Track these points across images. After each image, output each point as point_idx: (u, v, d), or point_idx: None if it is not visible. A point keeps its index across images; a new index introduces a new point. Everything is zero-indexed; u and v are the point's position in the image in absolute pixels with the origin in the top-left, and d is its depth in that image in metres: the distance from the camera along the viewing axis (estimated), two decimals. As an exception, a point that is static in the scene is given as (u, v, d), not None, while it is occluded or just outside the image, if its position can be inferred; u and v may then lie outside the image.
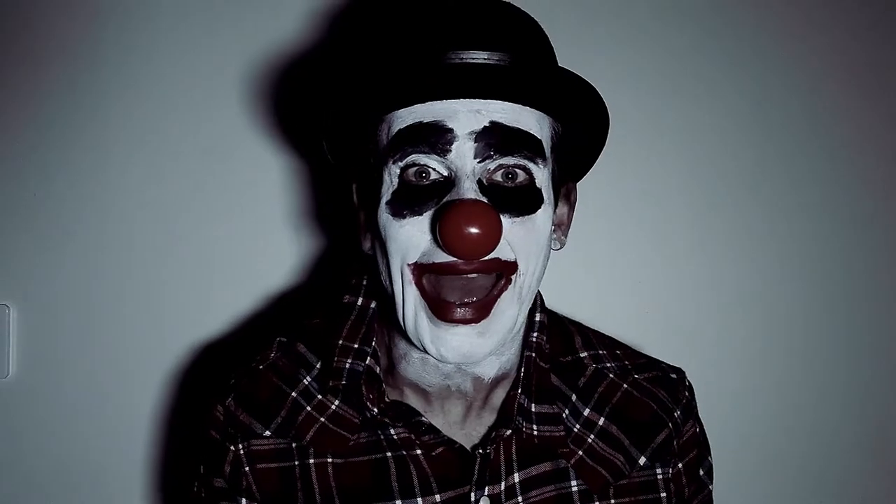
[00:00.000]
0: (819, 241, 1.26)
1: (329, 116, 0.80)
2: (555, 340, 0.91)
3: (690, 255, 1.23)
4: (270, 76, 1.16)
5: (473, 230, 0.70)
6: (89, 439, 1.16)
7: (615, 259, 1.22)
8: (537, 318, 0.88)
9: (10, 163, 1.14)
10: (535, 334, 0.87)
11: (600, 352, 0.92)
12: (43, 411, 1.16)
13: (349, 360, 0.84)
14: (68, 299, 1.16)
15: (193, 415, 1.17)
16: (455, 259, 0.73)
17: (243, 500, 0.84)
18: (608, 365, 0.91)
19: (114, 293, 1.16)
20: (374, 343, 0.86)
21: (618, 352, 0.93)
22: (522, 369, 0.85)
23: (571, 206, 0.88)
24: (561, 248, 0.86)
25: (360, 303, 0.88)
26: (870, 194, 1.27)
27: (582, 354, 0.91)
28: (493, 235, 0.71)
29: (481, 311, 0.75)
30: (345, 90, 0.77)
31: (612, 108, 1.10)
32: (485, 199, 0.73)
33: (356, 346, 0.85)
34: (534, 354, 0.86)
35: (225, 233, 1.16)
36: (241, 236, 1.17)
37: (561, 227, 0.86)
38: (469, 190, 0.73)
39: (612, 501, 0.85)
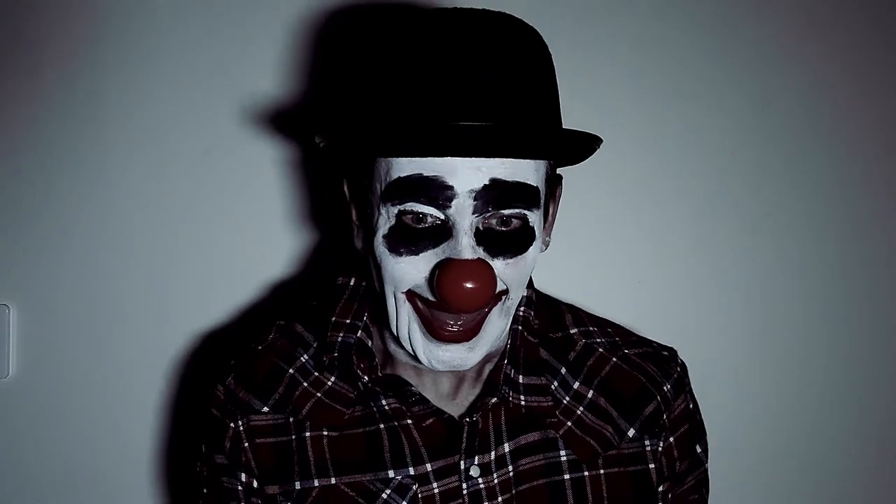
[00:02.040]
0: (820, 239, 1.26)
1: (326, 142, 0.79)
2: (545, 318, 0.93)
3: (691, 255, 1.23)
4: (269, 76, 1.16)
5: (470, 288, 0.73)
6: (89, 439, 1.16)
7: (615, 259, 1.23)
8: (524, 294, 0.89)
9: (10, 163, 1.14)
10: (522, 308, 0.89)
11: (591, 328, 0.94)
12: (43, 411, 1.16)
13: (341, 334, 0.88)
14: (68, 299, 1.16)
15: (194, 414, 1.17)
16: None
17: (242, 475, 0.87)
18: (598, 340, 0.93)
19: (114, 293, 1.16)
20: (365, 318, 0.88)
21: (608, 329, 0.95)
22: (509, 342, 0.87)
23: (556, 202, 0.88)
24: (546, 249, 0.86)
25: (352, 283, 0.92)
26: (870, 193, 1.27)
27: (572, 331, 0.93)
28: (488, 294, 0.75)
29: (471, 331, 0.79)
30: (344, 130, 0.79)
31: (612, 107, 1.09)
32: (481, 250, 0.75)
33: (348, 321, 0.88)
34: (520, 328, 0.89)
35: (225, 232, 1.17)
36: (242, 235, 1.17)
37: (546, 227, 0.86)
38: (467, 248, 0.74)
39: (602, 471, 0.87)
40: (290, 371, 0.89)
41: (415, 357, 0.81)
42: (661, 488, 0.89)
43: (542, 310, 0.93)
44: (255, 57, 1.16)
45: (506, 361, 0.86)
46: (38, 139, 1.14)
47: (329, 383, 0.88)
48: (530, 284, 0.91)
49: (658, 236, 1.23)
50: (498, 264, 0.76)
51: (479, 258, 0.75)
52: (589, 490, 0.86)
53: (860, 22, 1.26)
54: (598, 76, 1.20)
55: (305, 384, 0.88)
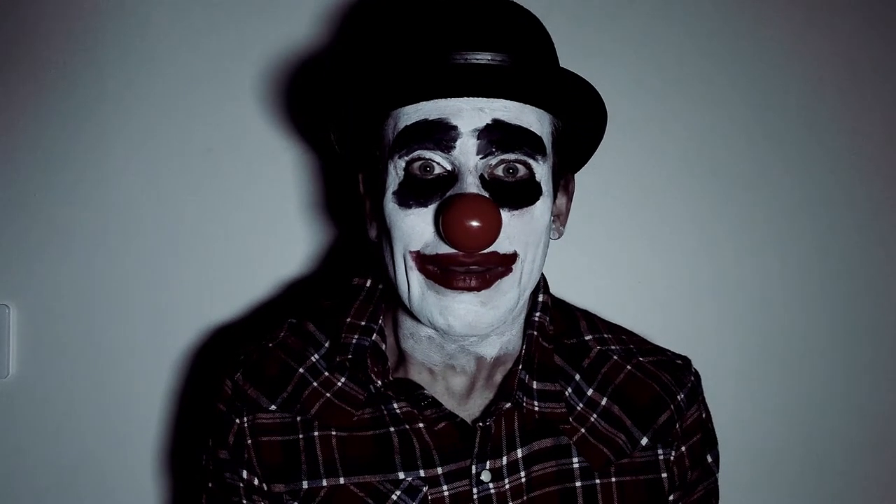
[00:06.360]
0: (822, 240, 1.27)
1: (337, 111, 0.83)
2: (560, 324, 0.93)
3: (691, 257, 1.24)
4: (275, 69, 1.16)
5: (474, 223, 0.73)
6: (89, 439, 1.16)
7: (614, 260, 1.23)
8: (540, 299, 0.90)
9: (10, 163, 1.14)
10: (537, 314, 0.89)
11: (605, 335, 0.94)
12: (43, 411, 1.16)
13: (356, 336, 0.88)
14: (68, 299, 1.16)
15: (201, 409, 1.17)
16: (456, 251, 0.76)
17: (244, 472, 0.87)
18: (612, 348, 0.93)
19: (114, 293, 1.16)
20: (380, 321, 0.89)
21: (623, 337, 0.95)
22: (524, 347, 0.88)
23: (570, 197, 0.90)
24: (559, 237, 0.88)
25: (368, 284, 0.92)
26: (873, 195, 1.28)
27: (587, 337, 0.93)
28: (493, 228, 0.75)
29: (484, 281, 0.78)
30: (352, 87, 0.80)
31: (612, 107, 1.08)
32: (486, 194, 0.76)
33: (363, 323, 0.89)
34: (535, 333, 0.88)
35: (227, 230, 1.17)
36: (244, 233, 1.17)
37: (559, 217, 0.89)
38: (471, 185, 0.76)
39: (613, 479, 0.87)
40: (300, 370, 0.89)
41: (431, 325, 0.80)
42: (671, 497, 0.89)
43: (557, 315, 0.93)
44: (259, 51, 1.16)
45: (520, 367, 0.86)
46: (38, 139, 1.14)
47: (339, 384, 0.88)
48: (546, 290, 0.91)
49: (658, 237, 1.23)
50: (505, 215, 0.77)
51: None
52: (600, 498, 0.86)
53: (861, 21, 1.26)
54: (599, 77, 1.19)
55: (315, 384, 0.88)
